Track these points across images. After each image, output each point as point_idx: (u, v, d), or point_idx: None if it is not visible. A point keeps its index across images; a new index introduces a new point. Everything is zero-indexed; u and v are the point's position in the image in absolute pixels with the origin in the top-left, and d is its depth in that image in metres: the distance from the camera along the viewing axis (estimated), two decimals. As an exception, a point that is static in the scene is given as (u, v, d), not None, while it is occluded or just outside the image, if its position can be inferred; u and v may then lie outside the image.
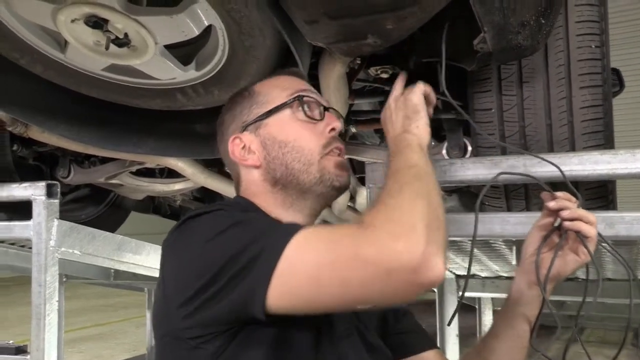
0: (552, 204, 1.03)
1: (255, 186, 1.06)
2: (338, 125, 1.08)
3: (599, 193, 1.29)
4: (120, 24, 1.28)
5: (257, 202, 1.05)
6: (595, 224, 1.00)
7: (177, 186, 2.33)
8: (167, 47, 1.38)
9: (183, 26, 1.28)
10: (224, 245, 0.84)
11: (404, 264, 0.75)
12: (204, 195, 2.74)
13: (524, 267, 1.10)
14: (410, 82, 1.67)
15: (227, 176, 2.11)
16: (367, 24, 1.07)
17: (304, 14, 1.08)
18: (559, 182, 1.14)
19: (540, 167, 1.11)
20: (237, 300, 0.82)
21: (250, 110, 1.08)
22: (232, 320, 0.85)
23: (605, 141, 1.22)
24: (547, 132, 1.23)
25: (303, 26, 1.12)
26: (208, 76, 1.49)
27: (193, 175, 1.98)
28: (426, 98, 1.13)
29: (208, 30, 1.33)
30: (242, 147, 1.07)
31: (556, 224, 1.05)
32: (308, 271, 0.80)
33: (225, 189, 2.13)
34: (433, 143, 1.64)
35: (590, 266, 1.05)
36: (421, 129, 1.05)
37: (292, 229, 0.84)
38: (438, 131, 1.76)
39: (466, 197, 2.23)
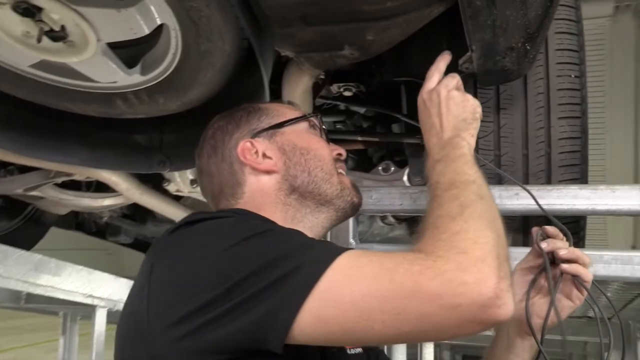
0: (544, 245, 0.95)
1: (264, 196, 0.96)
2: (344, 152, 1.05)
3: (571, 229, 1.23)
4: (57, 14, 1.12)
5: (263, 215, 0.92)
6: (589, 265, 0.94)
7: (107, 202, 2.12)
8: (110, 45, 1.22)
9: (132, 23, 1.12)
10: (246, 256, 0.72)
11: (473, 300, 0.67)
12: (135, 212, 2.53)
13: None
14: (369, 103, 1.61)
15: (164, 193, 1.94)
16: (346, 33, 0.97)
17: (277, 18, 0.96)
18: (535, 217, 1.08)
19: (520, 200, 1.04)
20: (254, 321, 0.68)
21: (259, 120, 1.01)
22: (235, 349, 0.70)
23: (581, 175, 1.17)
24: (524, 162, 1.17)
25: (274, 32, 1.00)
26: (154, 82, 1.33)
27: (127, 190, 1.79)
28: None
29: (159, 30, 1.19)
30: (254, 152, 0.98)
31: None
32: (356, 300, 0.68)
33: (161, 206, 1.96)
34: (393, 168, 1.56)
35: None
36: (474, 140, 0.96)
37: (334, 248, 0.74)
38: (394, 155, 1.69)
39: (417, 226, 2.16)
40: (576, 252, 0.94)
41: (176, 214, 2.04)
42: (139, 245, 3.02)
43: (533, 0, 0.95)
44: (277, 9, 0.93)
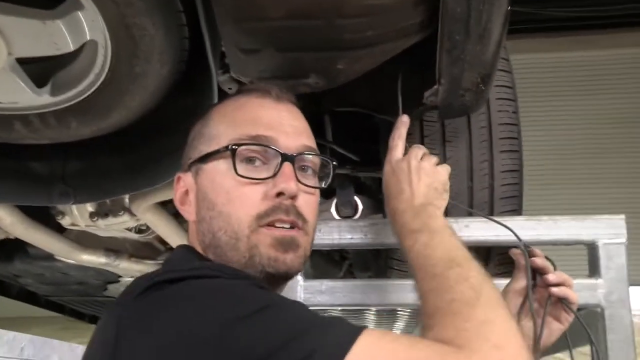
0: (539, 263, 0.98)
1: (195, 243, 0.85)
2: (289, 188, 0.79)
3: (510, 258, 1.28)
4: (-45, 20, 0.94)
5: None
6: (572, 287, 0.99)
7: (-27, 239, 1.82)
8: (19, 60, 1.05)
9: (57, 37, 0.98)
10: (251, 335, 0.61)
11: None
12: (-1, 249, 2.20)
13: None
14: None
15: (50, 226, 1.71)
16: (317, 61, 0.92)
17: (245, 41, 0.88)
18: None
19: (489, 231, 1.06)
20: None
21: (199, 140, 0.86)
22: None
23: (518, 207, 1.22)
24: (469, 194, 1.19)
25: (236, 55, 0.92)
26: (67, 104, 1.16)
27: (11, 225, 1.55)
28: None
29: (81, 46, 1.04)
30: (184, 191, 0.86)
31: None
32: None
33: (47, 242, 1.72)
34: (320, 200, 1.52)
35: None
36: (442, 212, 0.92)
37: (350, 328, 0.63)
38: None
39: (318, 258, 2.14)
40: (563, 275, 0.98)
41: (61, 249, 1.81)
42: (-4, 287, 2.66)
43: (493, 37, 0.97)
44: (247, 33, 0.85)
